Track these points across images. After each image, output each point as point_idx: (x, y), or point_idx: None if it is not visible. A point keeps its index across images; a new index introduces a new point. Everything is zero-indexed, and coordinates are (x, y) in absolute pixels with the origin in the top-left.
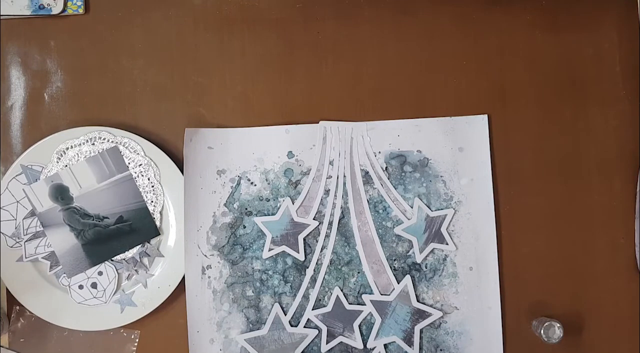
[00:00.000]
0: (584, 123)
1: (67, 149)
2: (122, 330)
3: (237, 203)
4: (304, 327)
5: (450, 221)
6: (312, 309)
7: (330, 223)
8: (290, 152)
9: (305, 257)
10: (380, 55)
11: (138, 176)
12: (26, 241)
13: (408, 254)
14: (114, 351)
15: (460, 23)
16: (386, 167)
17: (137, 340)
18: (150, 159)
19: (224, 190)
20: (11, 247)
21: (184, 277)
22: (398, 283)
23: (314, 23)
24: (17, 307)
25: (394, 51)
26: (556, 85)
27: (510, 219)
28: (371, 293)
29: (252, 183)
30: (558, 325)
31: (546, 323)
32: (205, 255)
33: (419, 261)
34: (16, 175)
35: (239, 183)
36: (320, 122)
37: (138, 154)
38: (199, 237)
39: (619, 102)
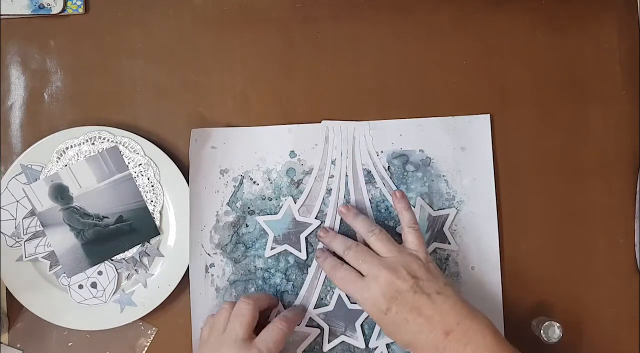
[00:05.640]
0: (584, 123)
1: (67, 148)
2: (140, 323)
3: (240, 203)
4: (306, 326)
5: (453, 221)
6: (314, 308)
7: (332, 223)
8: (293, 151)
9: (307, 256)
10: (381, 55)
11: (138, 176)
12: (26, 241)
13: None
14: (127, 340)
15: (460, 23)
16: (388, 167)
17: (152, 335)
18: (150, 159)
19: (227, 190)
20: (11, 246)
21: (184, 277)
22: None
23: (314, 23)
24: (17, 307)
25: (394, 51)
26: (556, 85)
27: (511, 219)
28: None
29: (254, 182)
30: (558, 325)
31: (546, 323)
32: (208, 254)
33: None
34: (16, 175)
35: (241, 183)
36: (323, 121)
37: (138, 153)
38: (202, 236)
39: (619, 101)
